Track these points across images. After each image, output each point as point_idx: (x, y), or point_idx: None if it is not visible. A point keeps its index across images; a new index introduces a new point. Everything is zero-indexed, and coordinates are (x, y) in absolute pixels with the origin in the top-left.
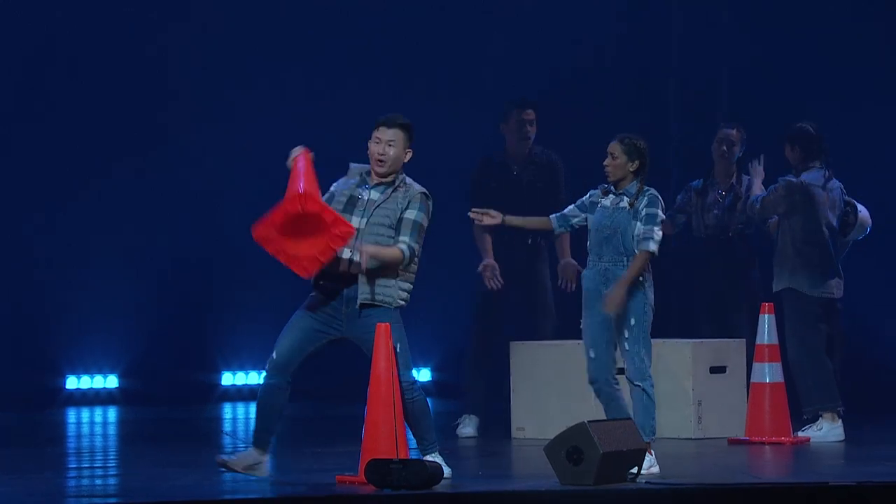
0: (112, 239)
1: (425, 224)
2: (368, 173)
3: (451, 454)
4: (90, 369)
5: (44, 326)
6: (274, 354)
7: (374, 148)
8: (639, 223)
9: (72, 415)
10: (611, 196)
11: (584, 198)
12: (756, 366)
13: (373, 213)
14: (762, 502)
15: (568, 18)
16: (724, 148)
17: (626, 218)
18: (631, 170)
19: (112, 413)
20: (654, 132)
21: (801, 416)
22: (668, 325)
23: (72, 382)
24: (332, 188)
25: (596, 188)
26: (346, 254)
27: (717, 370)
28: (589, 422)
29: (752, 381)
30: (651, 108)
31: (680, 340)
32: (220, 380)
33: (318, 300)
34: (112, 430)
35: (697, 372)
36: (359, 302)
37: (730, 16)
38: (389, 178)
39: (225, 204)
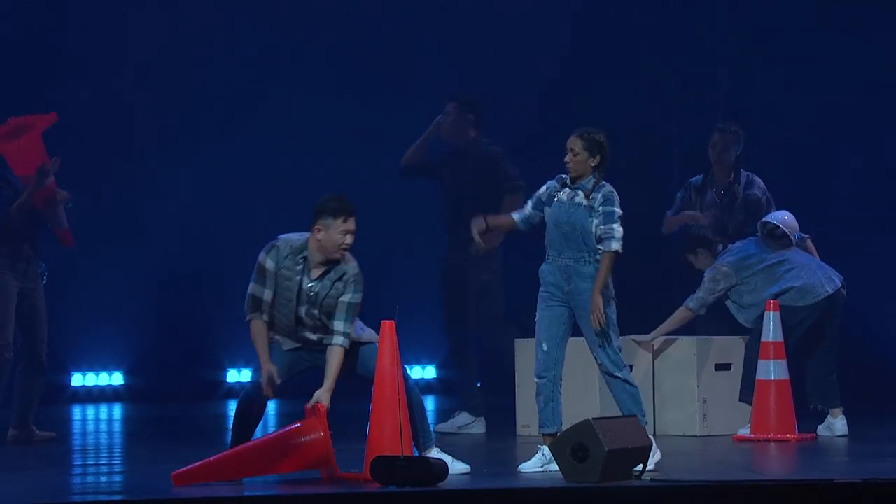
0: (118, 236)
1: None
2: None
3: (454, 451)
4: (95, 366)
5: (49, 324)
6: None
7: (343, 238)
8: (596, 221)
9: (77, 412)
10: (566, 189)
11: (539, 192)
12: (761, 363)
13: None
14: (767, 500)
15: (566, 16)
16: (720, 149)
17: (583, 214)
18: (592, 164)
19: (117, 410)
20: (655, 130)
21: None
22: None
23: (77, 379)
24: (267, 266)
25: (552, 179)
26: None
27: (723, 367)
28: (594, 419)
29: (757, 378)
30: (652, 106)
31: (685, 338)
32: (225, 377)
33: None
34: (117, 427)
35: (702, 369)
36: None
37: (728, 11)
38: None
39: (230, 201)
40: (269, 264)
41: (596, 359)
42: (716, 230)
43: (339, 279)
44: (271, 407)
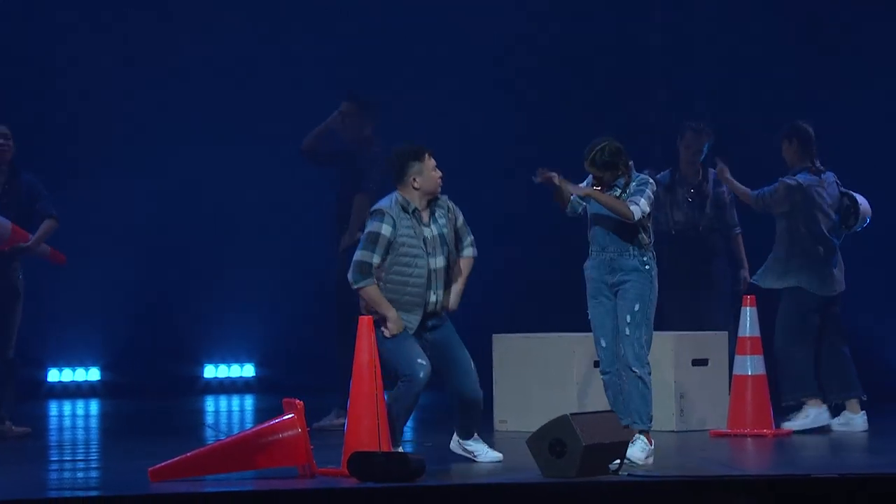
0: (93, 233)
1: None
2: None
3: (433, 448)
4: (72, 362)
5: (25, 320)
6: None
7: (437, 172)
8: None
9: (53, 407)
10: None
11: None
12: (738, 358)
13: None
14: (744, 494)
15: (547, 11)
16: (694, 149)
17: None
18: (618, 174)
19: (94, 406)
20: (638, 128)
21: (781, 405)
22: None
23: (53, 375)
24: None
25: (587, 181)
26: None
27: (700, 363)
28: (571, 414)
29: (734, 373)
30: (634, 103)
31: (662, 333)
32: (203, 372)
33: None
34: (94, 422)
35: (679, 364)
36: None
37: (711, 9)
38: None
39: (206, 198)
40: (386, 230)
41: (620, 349)
42: (686, 227)
43: (445, 212)
44: (249, 402)
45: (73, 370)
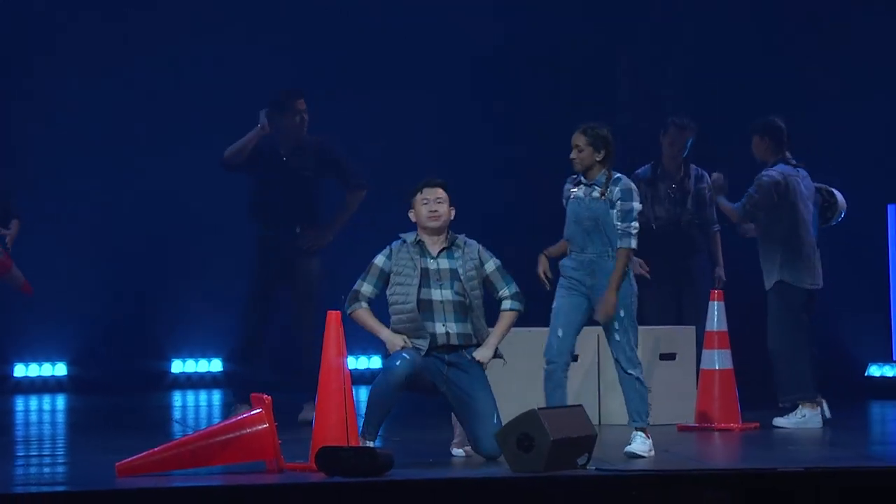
0: (61, 228)
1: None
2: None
3: (400, 442)
4: (38, 357)
5: None
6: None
7: (427, 207)
8: (615, 219)
9: (20, 403)
10: (582, 187)
11: (565, 192)
12: (705, 353)
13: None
14: (711, 488)
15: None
16: (678, 146)
17: (603, 208)
18: (597, 160)
19: (60, 401)
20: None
21: (777, 404)
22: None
23: (20, 370)
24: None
25: (566, 182)
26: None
27: (667, 357)
28: (539, 409)
29: (701, 367)
30: (599, 96)
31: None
32: (170, 367)
33: None
34: (60, 418)
35: (647, 359)
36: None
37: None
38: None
39: (174, 192)
40: (380, 260)
41: (612, 353)
42: (668, 222)
43: (462, 253)
44: (216, 397)
45: (40, 365)
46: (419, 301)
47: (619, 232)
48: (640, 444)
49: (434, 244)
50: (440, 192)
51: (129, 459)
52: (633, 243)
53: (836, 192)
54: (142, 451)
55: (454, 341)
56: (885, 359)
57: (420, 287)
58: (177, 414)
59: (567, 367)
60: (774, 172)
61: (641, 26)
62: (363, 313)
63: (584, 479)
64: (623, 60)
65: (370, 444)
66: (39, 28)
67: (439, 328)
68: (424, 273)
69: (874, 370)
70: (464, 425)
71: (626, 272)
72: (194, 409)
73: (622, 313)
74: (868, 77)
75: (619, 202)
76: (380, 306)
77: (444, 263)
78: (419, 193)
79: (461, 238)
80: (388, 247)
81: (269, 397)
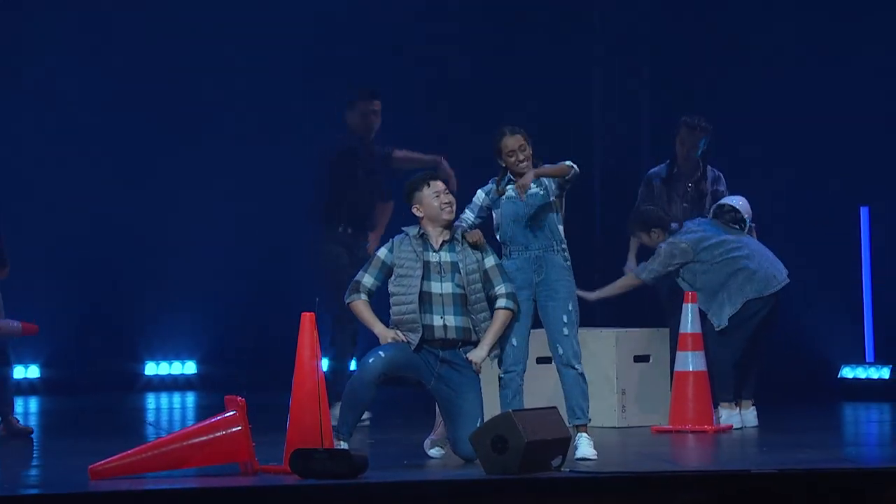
0: (34, 229)
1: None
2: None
3: (375, 444)
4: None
5: None
6: (370, 360)
7: (440, 199)
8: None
9: None
10: (511, 186)
11: (478, 201)
12: (679, 354)
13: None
14: (685, 490)
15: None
16: (688, 146)
17: (542, 201)
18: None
19: (33, 403)
20: (576, 125)
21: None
22: (593, 316)
23: None
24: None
25: (483, 190)
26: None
27: (641, 359)
28: (514, 411)
29: (675, 369)
30: (575, 99)
31: (604, 329)
32: (144, 369)
33: None
34: (33, 420)
35: (621, 360)
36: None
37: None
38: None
39: (149, 195)
40: (382, 252)
41: (557, 348)
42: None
43: (463, 248)
44: (190, 399)
45: (13, 367)
46: (421, 294)
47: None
48: (586, 448)
49: (437, 237)
50: (443, 185)
51: (103, 462)
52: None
53: (736, 202)
54: (115, 453)
55: (451, 335)
56: (858, 361)
57: (422, 280)
58: (150, 416)
59: (523, 374)
60: (675, 247)
61: (617, 24)
62: (360, 305)
63: (558, 480)
64: (598, 51)
65: (343, 443)
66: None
67: (437, 321)
68: (426, 266)
69: (847, 372)
70: (447, 424)
71: (567, 260)
72: (168, 411)
73: (570, 306)
74: (843, 81)
75: (559, 191)
76: (378, 304)
77: (446, 256)
78: (426, 187)
79: (460, 232)
80: (390, 240)
81: (244, 399)
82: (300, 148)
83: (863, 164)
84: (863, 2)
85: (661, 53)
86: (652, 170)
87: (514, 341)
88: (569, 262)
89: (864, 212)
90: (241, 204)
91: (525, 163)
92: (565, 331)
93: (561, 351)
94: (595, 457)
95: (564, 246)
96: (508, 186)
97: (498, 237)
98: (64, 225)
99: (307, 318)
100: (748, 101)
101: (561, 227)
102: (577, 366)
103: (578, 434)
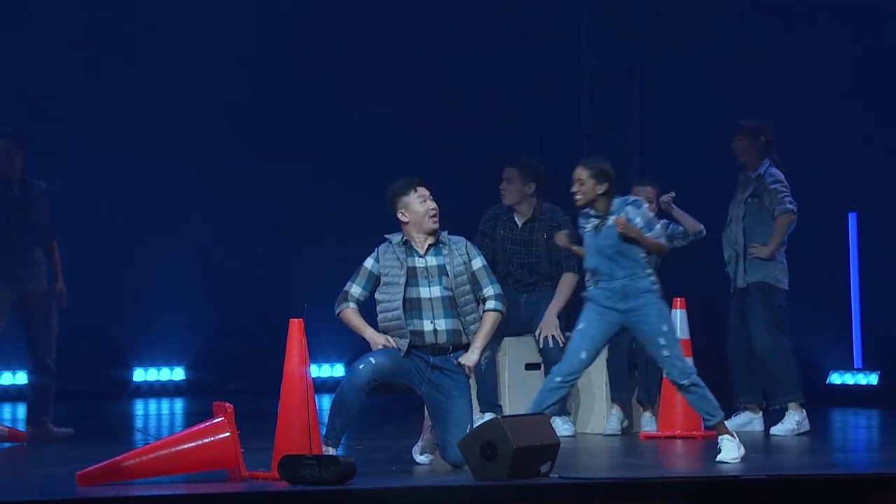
0: (20, 237)
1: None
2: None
3: (363, 450)
4: None
5: None
6: (361, 366)
7: (426, 205)
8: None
9: None
10: (592, 220)
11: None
12: None
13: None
14: (673, 496)
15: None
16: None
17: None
18: (600, 192)
19: (21, 410)
20: (565, 121)
21: (769, 408)
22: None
23: None
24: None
25: (580, 217)
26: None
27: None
28: (503, 417)
29: (664, 375)
30: (562, 95)
31: None
32: (132, 376)
33: None
34: (21, 427)
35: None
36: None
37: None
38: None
39: (137, 202)
40: (368, 262)
41: (665, 370)
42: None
43: (450, 250)
44: (179, 406)
45: (0, 374)
46: (408, 300)
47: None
48: (728, 451)
49: (422, 242)
50: (429, 191)
51: (91, 468)
52: (665, 242)
53: (677, 225)
54: (103, 459)
55: (442, 339)
56: (847, 367)
57: (407, 286)
58: (139, 422)
59: (572, 386)
60: (778, 172)
61: (608, 30)
62: (349, 313)
63: (547, 487)
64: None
65: (332, 450)
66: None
67: (427, 325)
68: (412, 272)
69: (835, 378)
70: (437, 430)
71: (655, 277)
72: (156, 417)
73: (664, 328)
74: (832, 86)
75: (638, 218)
76: (368, 310)
77: (433, 260)
78: (413, 193)
79: (445, 234)
80: (375, 250)
81: (232, 405)
82: (288, 155)
83: (851, 170)
84: (850, 7)
85: (651, 58)
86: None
87: (582, 355)
88: (656, 286)
89: (852, 218)
90: (229, 210)
91: (578, 194)
92: (664, 353)
93: (667, 372)
94: (735, 460)
95: (650, 271)
96: (588, 222)
97: (584, 266)
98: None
99: (295, 325)
100: (737, 106)
101: (643, 254)
102: (684, 381)
103: (720, 437)
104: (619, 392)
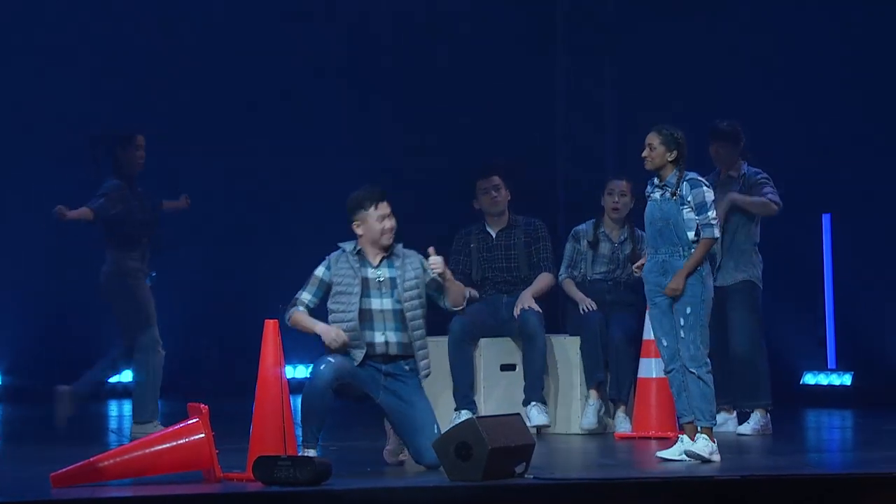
0: None
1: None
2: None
3: (338, 451)
4: None
5: None
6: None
7: (382, 224)
8: (691, 213)
9: None
10: (657, 189)
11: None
12: (643, 361)
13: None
14: (648, 497)
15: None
16: (616, 199)
17: (674, 208)
18: (669, 160)
19: None
20: (539, 129)
21: (734, 410)
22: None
23: None
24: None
25: (648, 184)
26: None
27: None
28: (477, 418)
29: (638, 376)
30: (537, 105)
31: (568, 336)
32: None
33: None
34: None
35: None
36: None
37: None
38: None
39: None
40: (319, 271)
41: (678, 350)
42: (603, 283)
43: (404, 264)
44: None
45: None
46: (361, 311)
47: (701, 224)
48: (702, 447)
49: (376, 254)
50: (389, 208)
51: (65, 469)
52: (716, 232)
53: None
54: (77, 461)
55: (393, 350)
56: (820, 367)
57: (361, 297)
58: (113, 424)
59: (683, 369)
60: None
61: (582, 30)
62: (298, 315)
63: (522, 487)
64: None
65: (312, 451)
66: None
67: (378, 337)
68: (365, 283)
69: (809, 378)
70: (403, 437)
71: (702, 261)
72: (130, 418)
73: (688, 310)
74: (805, 91)
75: (691, 197)
76: (319, 319)
77: (385, 273)
78: (373, 208)
79: (399, 247)
80: (326, 258)
81: (206, 406)
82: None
83: (825, 171)
84: (827, 8)
85: (625, 59)
86: (580, 226)
87: (663, 342)
88: (699, 267)
89: (825, 219)
90: (201, 212)
91: (647, 158)
92: (682, 333)
93: (680, 353)
94: (706, 455)
95: (692, 251)
96: (654, 191)
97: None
98: (25, 234)
99: (270, 325)
100: (712, 107)
101: (691, 233)
102: (693, 369)
103: (698, 434)
104: (594, 374)
